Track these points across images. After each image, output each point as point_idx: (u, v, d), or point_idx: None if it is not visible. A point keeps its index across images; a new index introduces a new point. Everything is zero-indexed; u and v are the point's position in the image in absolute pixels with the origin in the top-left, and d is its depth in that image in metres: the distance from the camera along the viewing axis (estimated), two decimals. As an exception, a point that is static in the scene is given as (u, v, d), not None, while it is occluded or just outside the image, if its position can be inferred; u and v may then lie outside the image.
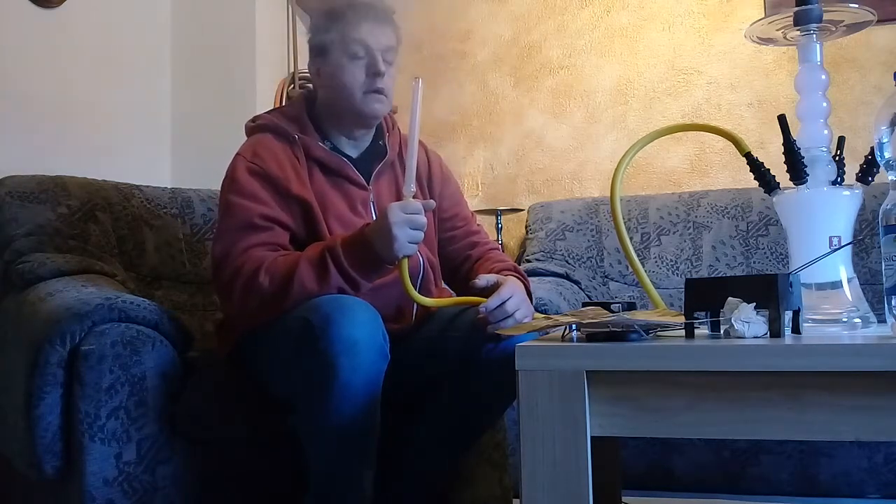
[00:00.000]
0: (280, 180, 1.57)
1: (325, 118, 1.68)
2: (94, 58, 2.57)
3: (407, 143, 1.75)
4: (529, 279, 2.51)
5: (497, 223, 2.99)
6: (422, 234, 1.46)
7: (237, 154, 1.62)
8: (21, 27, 2.37)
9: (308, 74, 1.82)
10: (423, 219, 1.45)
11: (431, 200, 1.53)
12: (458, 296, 1.71)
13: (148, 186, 2.17)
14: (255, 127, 1.69)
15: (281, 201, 1.56)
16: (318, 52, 1.65)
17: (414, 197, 1.47)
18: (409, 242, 1.44)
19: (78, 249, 1.91)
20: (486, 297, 1.51)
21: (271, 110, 1.74)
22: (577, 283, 2.53)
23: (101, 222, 1.99)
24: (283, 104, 2.35)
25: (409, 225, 1.43)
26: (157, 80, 2.83)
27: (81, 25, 2.53)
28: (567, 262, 2.59)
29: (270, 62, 2.83)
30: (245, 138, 1.69)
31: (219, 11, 2.84)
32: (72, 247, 1.90)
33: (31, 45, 2.39)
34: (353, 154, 1.68)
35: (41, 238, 1.89)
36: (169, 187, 2.25)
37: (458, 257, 1.76)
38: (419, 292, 1.53)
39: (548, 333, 1.24)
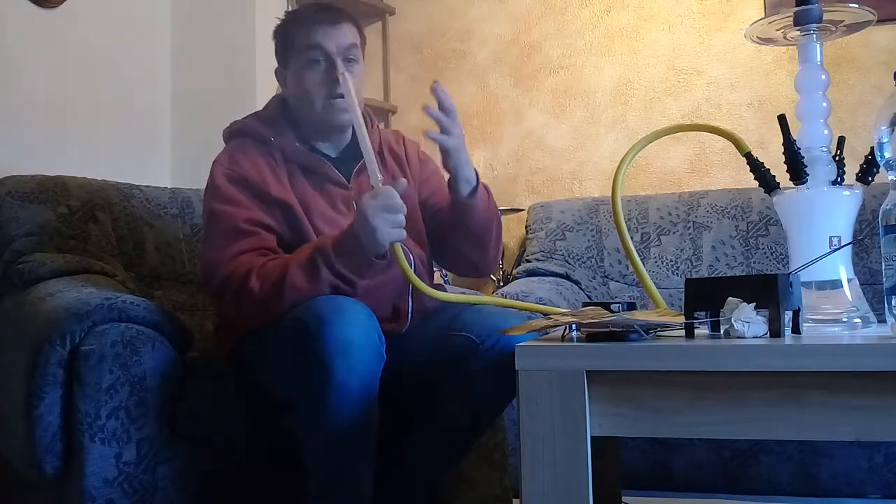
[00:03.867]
0: (258, 184, 1.56)
1: (299, 121, 1.66)
2: (95, 58, 2.57)
3: (388, 139, 1.75)
4: (529, 279, 2.54)
5: (497, 223, 2.98)
6: (402, 217, 1.42)
7: (214, 161, 1.62)
8: (21, 27, 2.36)
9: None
10: (397, 200, 1.41)
11: (403, 180, 1.48)
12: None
13: (148, 186, 2.16)
14: (231, 133, 1.68)
15: (262, 205, 1.56)
16: (280, 59, 1.67)
17: (383, 183, 1.44)
18: (392, 228, 1.41)
19: (78, 249, 1.91)
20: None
21: (247, 116, 1.72)
22: (577, 283, 2.53)
23: (101, 222, 1.99)
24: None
25: (384, 210, 1.40)
26: (157, 80, 2.83)
27: (81, 25, 2.53)
28: (567, 262, 2.59)
29: (270, 61, 2.82)
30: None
31: (219, 11, 2.84)
32: (72, 247, 1.90)
33: (31, 45, 2.39)
34: (332, 154, 1.67)
35: (41, 238, 1.89)
36: (169, 187, 2.24)
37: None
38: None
39: (548, 333, 1.24)
